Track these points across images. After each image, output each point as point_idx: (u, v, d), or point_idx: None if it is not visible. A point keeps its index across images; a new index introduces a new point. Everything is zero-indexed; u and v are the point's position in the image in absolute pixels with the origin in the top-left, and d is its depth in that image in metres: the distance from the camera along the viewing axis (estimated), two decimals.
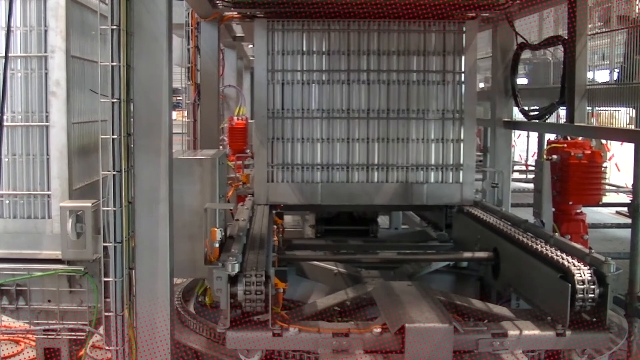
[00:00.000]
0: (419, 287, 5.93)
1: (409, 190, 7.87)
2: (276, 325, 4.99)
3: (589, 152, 6.85)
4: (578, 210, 6.95)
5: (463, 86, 7.83)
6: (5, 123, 5.42)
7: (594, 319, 5.06)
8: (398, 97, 7.82)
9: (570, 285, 4.93)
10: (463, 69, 7.81)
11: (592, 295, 4.94)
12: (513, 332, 5.05)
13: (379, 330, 5.00)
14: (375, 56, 7.79)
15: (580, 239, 6.68)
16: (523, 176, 19.77)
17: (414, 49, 7.77)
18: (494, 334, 5.02)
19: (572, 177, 6.77)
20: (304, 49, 7.80)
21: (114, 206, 4.58)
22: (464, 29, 7.79)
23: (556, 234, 6.19)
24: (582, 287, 4.92)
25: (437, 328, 4.87)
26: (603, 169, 7.00)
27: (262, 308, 4.94)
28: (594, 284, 4.94)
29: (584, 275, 4.97)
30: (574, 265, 5.10)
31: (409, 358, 4.84)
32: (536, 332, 5.08)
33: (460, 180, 7.88)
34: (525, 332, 5.08)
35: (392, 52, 7.77)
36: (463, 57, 7.80)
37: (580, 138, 7.34)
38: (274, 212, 7.61)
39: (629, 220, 7.31)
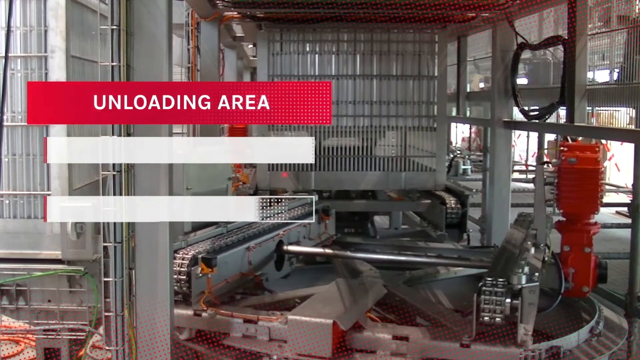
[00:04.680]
0: (369, 286, 5.99)
1: (389, 177, 8.86)
2: (197, 306, 5.40)
3: (583, 155, 5.86)
4: (593, 220, 6.01)
5: (436, 86, 8.84)
6: (5, 123, 5.41)
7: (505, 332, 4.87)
8: (380, 95, 8.84)
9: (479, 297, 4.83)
10: (436, 73, 8.84)
11: (500, 307, 4.79)
12: (415, 338, 5.01)
13: (282, 320, 5.27)
14: (360, 59, 8.81)
15: (581, 252, 5.89)
16: (523, 176, 19.83)
17: (394, 52, 8.78)
18: (395, 336, 5.03)
19: (562, 183, 5.91)
20: (299, 51, 8.79)
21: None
22: (436, 38, 8.82)
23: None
24: (487, 298, 4.80)
25: (314, 323, 5.01)
26: (600, 174, 5.93)
27: (187, 290, 5.39)
28: (501, 296, 4.79)
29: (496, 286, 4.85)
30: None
31: (290, 347, 5.07)
32: (440, 341, 4.99)
33: (434, 168, 8.88)
34: (428, 340, 5.01)
35: (374, 52, 8.76)
36: (436, 62, 8.84)
37: (580, 138, 7.29)
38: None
39: (629, 220, 7.30)
